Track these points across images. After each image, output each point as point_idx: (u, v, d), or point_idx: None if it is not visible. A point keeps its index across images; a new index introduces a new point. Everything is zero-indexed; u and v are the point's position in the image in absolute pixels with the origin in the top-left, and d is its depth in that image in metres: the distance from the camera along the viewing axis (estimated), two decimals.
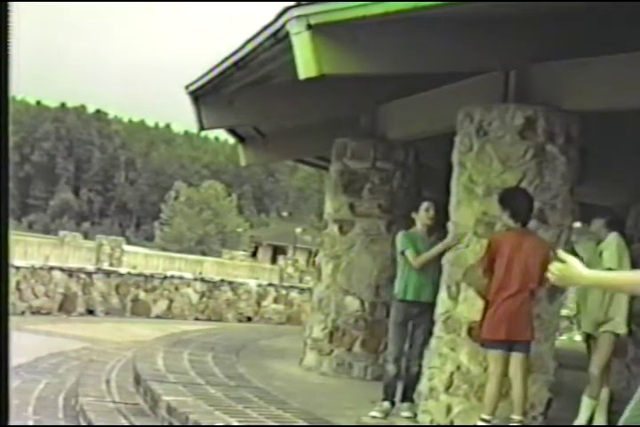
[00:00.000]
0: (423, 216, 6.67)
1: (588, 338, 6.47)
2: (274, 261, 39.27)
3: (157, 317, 17.53)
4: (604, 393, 6.30)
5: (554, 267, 2.90)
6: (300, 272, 22.86)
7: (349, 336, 8.57)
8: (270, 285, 20.33)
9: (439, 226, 6.57)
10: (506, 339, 5.42)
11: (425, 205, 6.69)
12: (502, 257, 5.47)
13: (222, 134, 72.05)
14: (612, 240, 6.23)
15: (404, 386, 6.68)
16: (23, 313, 14.63)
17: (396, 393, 6.62)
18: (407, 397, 6.63)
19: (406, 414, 6.48)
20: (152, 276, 18.01)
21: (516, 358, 5.46)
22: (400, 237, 6.74)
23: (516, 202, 5.65)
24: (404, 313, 6.56)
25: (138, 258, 20.46)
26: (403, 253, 6.64)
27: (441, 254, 6.46)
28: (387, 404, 6.49)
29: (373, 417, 6.32)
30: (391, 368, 6.57)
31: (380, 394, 6.67)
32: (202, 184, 68.51)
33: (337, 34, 5.12)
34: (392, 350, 6.64)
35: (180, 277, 18.58)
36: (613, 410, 6.15)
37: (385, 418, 6.36)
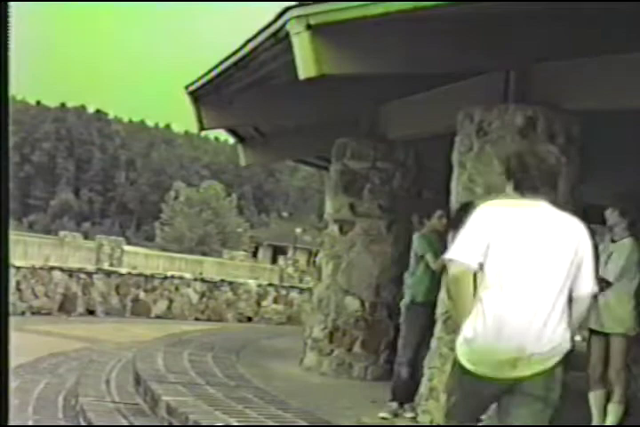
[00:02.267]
0: (437, 224, 6.77)
1: (590, 338, 6.44)
2: (274, 261, 39.25)
3: (157, 317, 17.55)
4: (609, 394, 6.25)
5: None
6: (301, 272, 22.83)
7: (349, 336, 8.57)
8: (270, 285, 20.34)
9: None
10: None
11: (439, 213, 6.80)
12: None
13: (222, 134, 72.14)
14: (628, 244, 6.07)
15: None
16: (23, 313, 14.65)
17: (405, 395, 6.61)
18: (411, 399, 6.65)
19: (410, 414, 6.51)
20: (152, 276, 18.03)
21: None
22: (419, 240, 6.79)
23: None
24: (425, 316, 6.51)
25: (138, 258, 20.44)
26: (422, 256, 6.68)
27: None
28: (395, 404, 6.53)
29: (383, 418, 6.36)
30: (405, 371, 6.58)
31: (380, 394, 6.68)
32: (201, 184, 68.48)
33: (337, 34, 5.12)
34: (408, 353, 6.63)
35: (180, 278, 18.59)
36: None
37: (394, 418, 6.39)
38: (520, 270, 3.26)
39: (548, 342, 3.19)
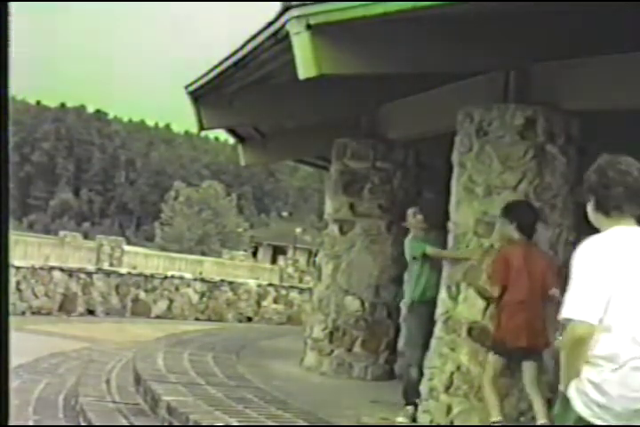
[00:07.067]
0: (413, 222, 6.80)
1: None
2: (274, 261, 39.24)
3: (157, 317, 17.55)
4: None
5: None
6: (301, 272, 22.84)
7: (349, 336, 8.56)
8: (270, 285, 20.34)
9: (440, 226, 6.59)
10: (527, 346, 5.47)
11: (410, 211, 6.85)
12: (512, 269, 5.58)
13: (222, 134, 71.98)
14: None
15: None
16: (23, 313, 14.65)
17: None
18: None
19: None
20: (152, 276, 18.03)
21: (531, 368, 5.51)
22: (409, 243, 6.79)
23: (522, 215, 5.71)
24: (428, 315, 6.47)
25: (138, 258, 20.45)
26: (415, 257, 6.68)
27: None
28: (411, 408, 6.43)
29: (401, 423, 6.30)
30: (415, 372, 6.52)
31: (380, 394, 6.66)
32: (201, 184, 68.47)
33: (337, 34, 5.12)
34: (416, 354, 6.58)
35: (180, 278, 18.59)
36: None
37: (413, 422, 6.32)
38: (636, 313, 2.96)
39: None
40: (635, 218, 3.08)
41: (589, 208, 3.15)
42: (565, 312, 2.88)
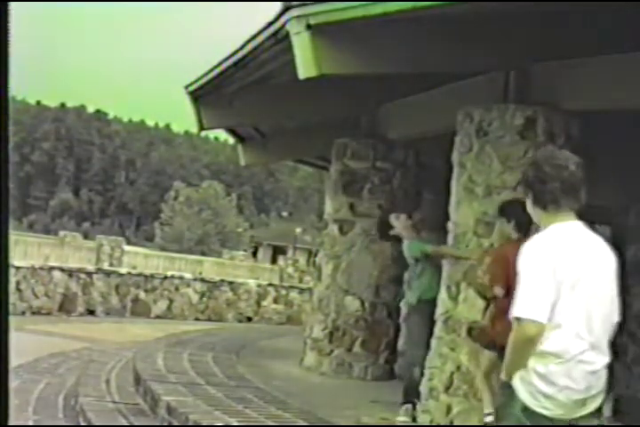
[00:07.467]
0: (399, 224, 6.86)
1: None
2: (274, 261, 39.22)
3: (157, 317, 17.54)
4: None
5: None
6: (301, 272, 22.82)
7: (349, 336, 8.57)
8: (270, 285, 20.33)
9: (440, 226, 6.60)
10: None
11: (392, 216, 6.94)
12: (511, 268, 5.57)
13: (222, 134, 71.98)
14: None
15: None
16: (23, 313, 14.64)
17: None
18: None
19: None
20: (152, 276, 18.03)
21: None
22: (408, 245, 6.79)
23: (519, 213, 5.70)
24: (429, 314, 6.46)
25: (138, 258, 20.43)
26: (417, 259, 6.68)
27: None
28: (409, 407, 6.45)
29: (404, 422, 6.31)
30: (418, 372, 6.50)
31: (380, 394, 6.65)
32: (201, 184, 68.48)
33: (337, 34, 5.12)
34: (418, 353, 6.54)
35: (180, 278, 18.59)
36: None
37: (414, 421, 6.33)
38: (584, 309, 3.02)
39: (603, 377, 3.08)
40: (574, 211, 3.14)
41: (528, 203, 3.21)
42: (515, 311, 2.97)
